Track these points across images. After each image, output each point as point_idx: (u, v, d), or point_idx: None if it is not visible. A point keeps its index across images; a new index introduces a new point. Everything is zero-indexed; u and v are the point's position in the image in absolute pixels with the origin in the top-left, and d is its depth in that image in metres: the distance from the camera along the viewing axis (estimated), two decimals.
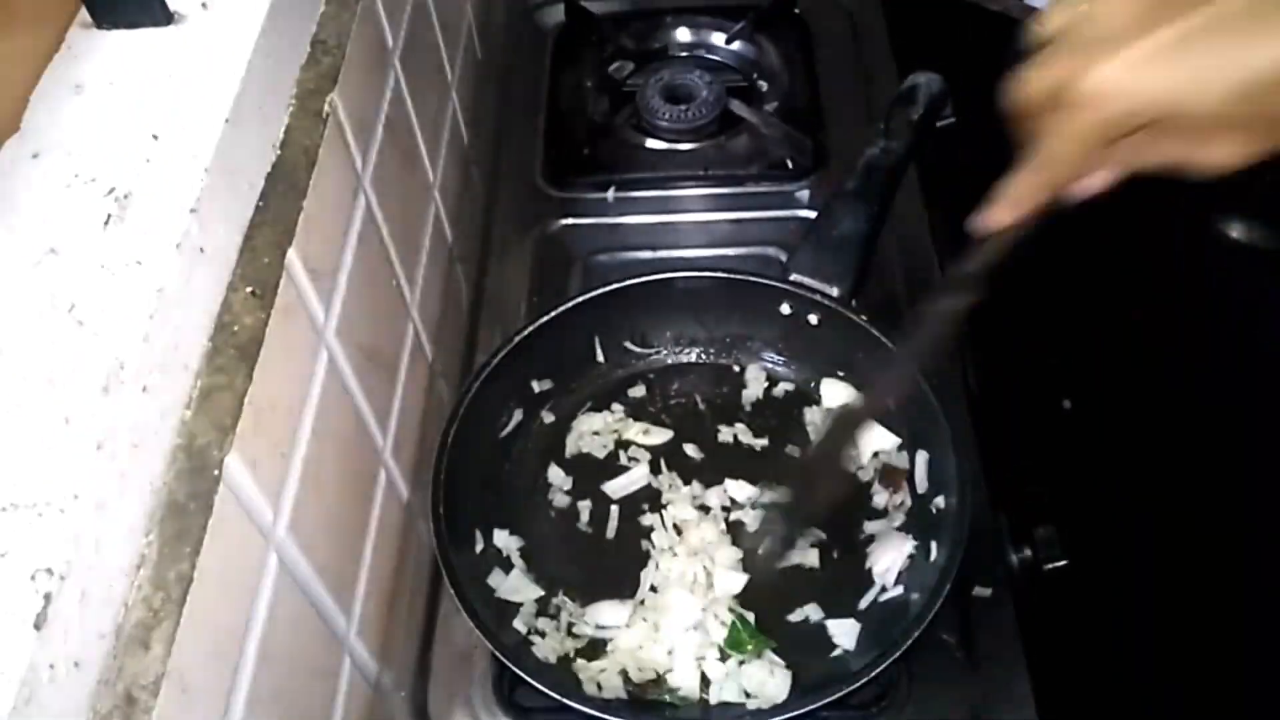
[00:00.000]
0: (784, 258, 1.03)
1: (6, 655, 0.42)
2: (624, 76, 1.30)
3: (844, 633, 0.83)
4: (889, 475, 0.90)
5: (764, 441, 0.96)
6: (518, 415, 0.96)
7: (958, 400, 0.94)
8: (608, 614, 0.85)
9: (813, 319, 0.96)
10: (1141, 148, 0.51)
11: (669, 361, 1.02)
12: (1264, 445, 1.08)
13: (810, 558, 0.87)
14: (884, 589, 0.86)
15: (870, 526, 0.89)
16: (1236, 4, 0.46)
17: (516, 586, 0.87)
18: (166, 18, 0.69)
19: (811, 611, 0.85)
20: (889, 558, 0.86)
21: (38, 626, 0.43)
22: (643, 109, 1.21)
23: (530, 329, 0.93)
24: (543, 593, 0.87)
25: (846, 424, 0.84)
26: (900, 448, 0.92)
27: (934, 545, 0.84)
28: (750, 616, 0.84)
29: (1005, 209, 0.57)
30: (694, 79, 1.23)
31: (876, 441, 0.92)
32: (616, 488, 0.93)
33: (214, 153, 0.61)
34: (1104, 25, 0.48)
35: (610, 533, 0.91)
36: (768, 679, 0.80)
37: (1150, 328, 1.18)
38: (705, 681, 0.82)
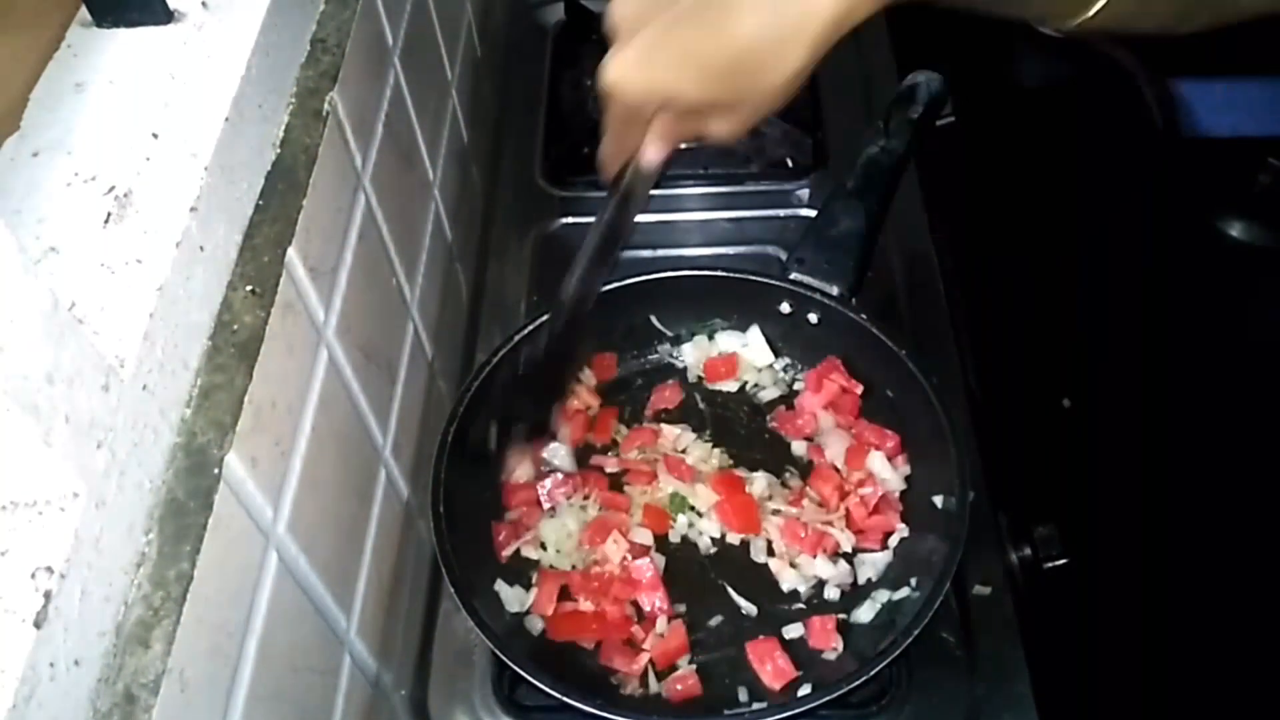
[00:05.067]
0: (784, 256, 1.03)
1: (7, 653, 0.42)
2: None
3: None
4: None
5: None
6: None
7: (958, 400, 0.94)
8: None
9: (812, 318, 0.96)
10: (668, 126, 0.61)
11: (669, 359, 1.02)
12: (1263, 443, 1.08)
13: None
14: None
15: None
16: (689, 8, 0.54)
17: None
18: (167, 16, 0.69)
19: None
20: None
21: (38, 625, 0.43)
22: None
23: (530, 328, 0.93)
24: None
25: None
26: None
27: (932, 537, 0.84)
28: None
29: (606, 168, 0.68)
30: None
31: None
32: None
33: (214, 151, 0.61)
34: (614, 31, 0.57)
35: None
36: None
37: (1150, 328, 1.18)
38: None
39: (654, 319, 1.01)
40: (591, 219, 1.13)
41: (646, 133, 0.63)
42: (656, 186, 1.16)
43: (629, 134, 0.63)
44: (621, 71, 0.57)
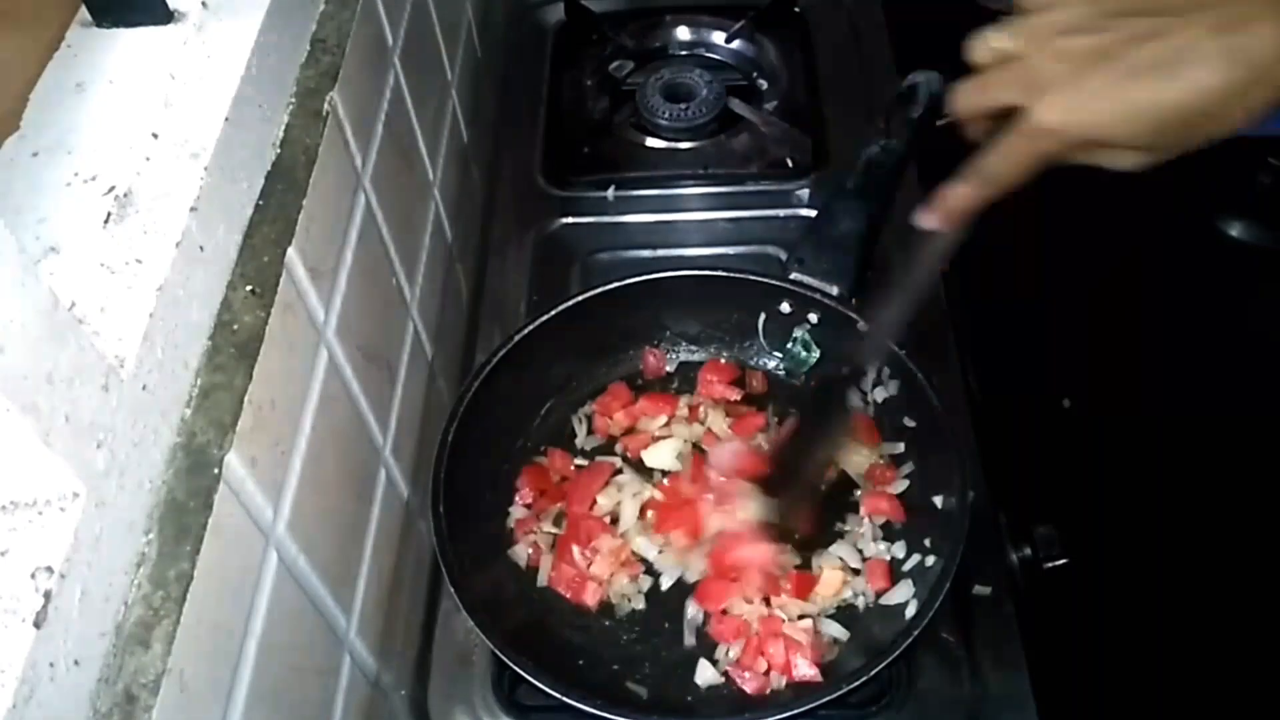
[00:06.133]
0: (784, 256, 1.03)
1: (7, 653, 0.42)
2: (624, 75, 1.30)
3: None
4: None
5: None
6: (517, 413, 0.96)
7: (958, 400, 0.94)
8: None
9: (813, 317, 0.96)
10: (1065, 157, 0.59)
11: (668, 359, 1.02)
12: (1264, 443, 1.08)
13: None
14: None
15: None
16: (1149, 56, 0.53)
17: None
18: (166, 16, 0.69)
19: None
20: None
21: (38, 625, 0.43)
22: (643, 108, 1.21)
23: (530, 328, 0.93)
24: None
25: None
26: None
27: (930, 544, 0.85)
28: None
29: (942, 216, 0.64)
30: (694, 78, 1.23)
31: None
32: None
33: (214, 151, 0.61)
34: (1050, 68, 0.56)
35: None
36: None
37: (1150, 328, 1.18)
38: None
39: (654, 319, 1.01)
40: (591, 219, 1.16)
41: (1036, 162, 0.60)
42: (657, 186, 1.17)
43: (1025, 173, 0.60)
44: (1071, 112, 0.56)
